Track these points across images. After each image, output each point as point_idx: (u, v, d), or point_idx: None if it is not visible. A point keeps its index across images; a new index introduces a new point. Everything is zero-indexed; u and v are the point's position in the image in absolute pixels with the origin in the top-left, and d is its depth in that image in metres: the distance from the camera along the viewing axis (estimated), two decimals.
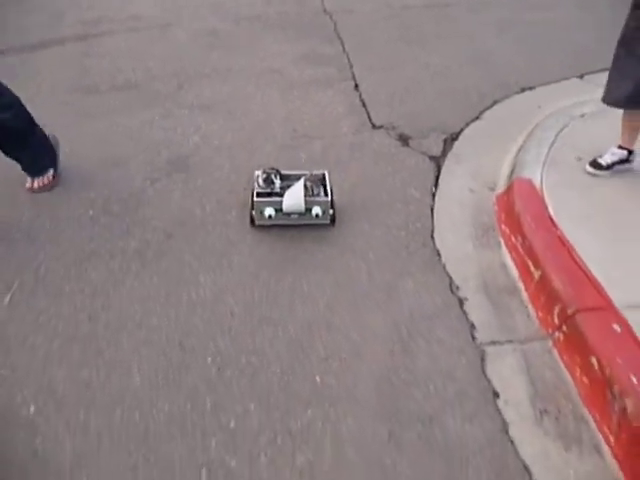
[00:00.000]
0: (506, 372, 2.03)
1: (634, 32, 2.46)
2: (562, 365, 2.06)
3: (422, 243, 2.61)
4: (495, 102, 3.82)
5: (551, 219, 2.51)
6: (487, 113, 3.69)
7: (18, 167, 2.93)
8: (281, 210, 2.58)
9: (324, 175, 2.72)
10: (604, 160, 2.74)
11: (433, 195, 2.93)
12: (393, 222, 2.73)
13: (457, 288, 2.37)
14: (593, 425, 1.86)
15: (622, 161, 2.75)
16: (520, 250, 2.46)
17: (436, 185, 3.00)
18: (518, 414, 1.89)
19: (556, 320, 2.15)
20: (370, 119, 3.61)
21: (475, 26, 5.08)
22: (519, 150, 3.16)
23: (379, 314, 2.25)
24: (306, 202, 2.57)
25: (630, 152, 2.75)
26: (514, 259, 2.50)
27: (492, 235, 2.66)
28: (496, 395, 1.95)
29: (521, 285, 2.39)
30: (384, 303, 2.29)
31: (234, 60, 4.48)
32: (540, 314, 2.24)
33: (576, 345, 2.03)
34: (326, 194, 2.64)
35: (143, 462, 1.73)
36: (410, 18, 5.27)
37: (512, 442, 1.80)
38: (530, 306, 2.29)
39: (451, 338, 2.15)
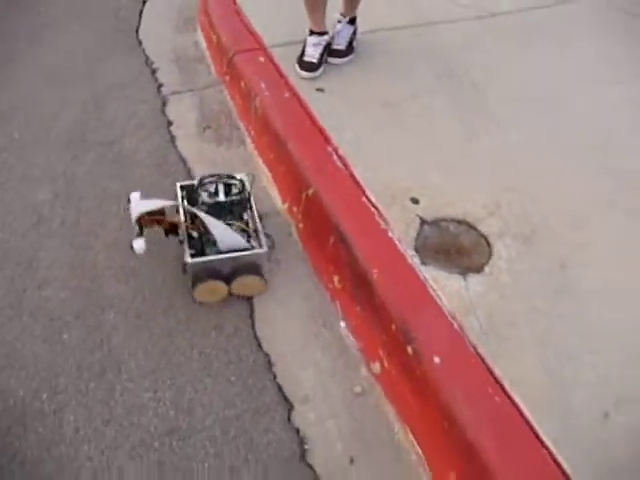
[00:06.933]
0: (182, 109, 2.48)
1: None
2: (229, 98, 2.55)
3: (127, 35, 2.93)
4: None
5: (234, 1, 2.92)
6: None
7: None
8: None
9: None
10: (311, 58, 2.33)
11: (144, 1, 3.22)
12: (105, 25, 3.01)
13: (152, 62, 2.74)
14: (243, 131, 2.39)
15: (327, 46, 2.38)
16: (207, 26, 2.88)
17: None
18: (185, 132, 2.36)
19: (225, 68, 2.62)
20: None
21: None
22: None
23: (80, 86, 2.57)
24: None
25: (325, 32, 2.38)
26: (204, 36, 2.91)
27: (191, 24, 3.04)
28: (170, 124, 2.40)
29: (207, 54, 2.82)
30: (85, 80, 2.61)
31: None
32: (217, 68, 2.70)
33: (236, 80, 2.50)
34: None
35: None
36: None
37: (175, 147, 2.27)
38: (211, 65, 2.74)
39: (139, 94, 2.54)
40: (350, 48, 2.44)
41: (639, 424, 1.26)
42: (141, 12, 3.13)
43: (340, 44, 2.43)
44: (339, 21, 2.44)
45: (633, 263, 1.60)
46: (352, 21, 2.45)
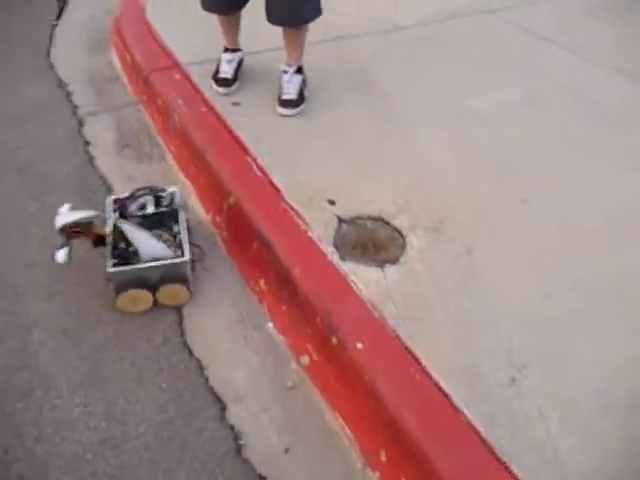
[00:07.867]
0: (99, 129, 2.48)
1: None
2: (147, 117, 2.57)
3: (37, 59, 2.91)
4: None
5: (145, 19, 2.96)
6: None
7: None
8: None
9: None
10: (226, 74, 2.38)
11: (53, 26, 3.20)
12: (13, 49, 2.97)
13: (65, 85, 2.73)
14: (163, 147, 2.42)
15: (241, 62, 2.47)
16: (121, 46, 2.89)
17: (59, 17, 3.27)
18: (103, 151, 2.36)
19: (141, 86, 2.64)
20: None
21: None
22: None
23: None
24: None
25: (239, 49, 2.46)
26: (118, 56, 2.93)
27: (104, 46, 3.06)
28: (87, 144, 2.39)
29: (122, 73, 2.84)
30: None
31: None
32: (133, 87, 2.72)
33: (153, 98, 2.54)
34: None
35: None
36: None
37: (94, 166, 2.27)
38: (126, 85, 2.76)
39: (53, 117, 2.53)
40: (301, 97, 2.31)
41: (541, 386, 1.39)
42: (51, 36, 3.11)
43: (290, 93, 2.28)
44: (285, 71, 2.32)
45: (528, 245, 1.76)
46: (299, 70, 2.34)
